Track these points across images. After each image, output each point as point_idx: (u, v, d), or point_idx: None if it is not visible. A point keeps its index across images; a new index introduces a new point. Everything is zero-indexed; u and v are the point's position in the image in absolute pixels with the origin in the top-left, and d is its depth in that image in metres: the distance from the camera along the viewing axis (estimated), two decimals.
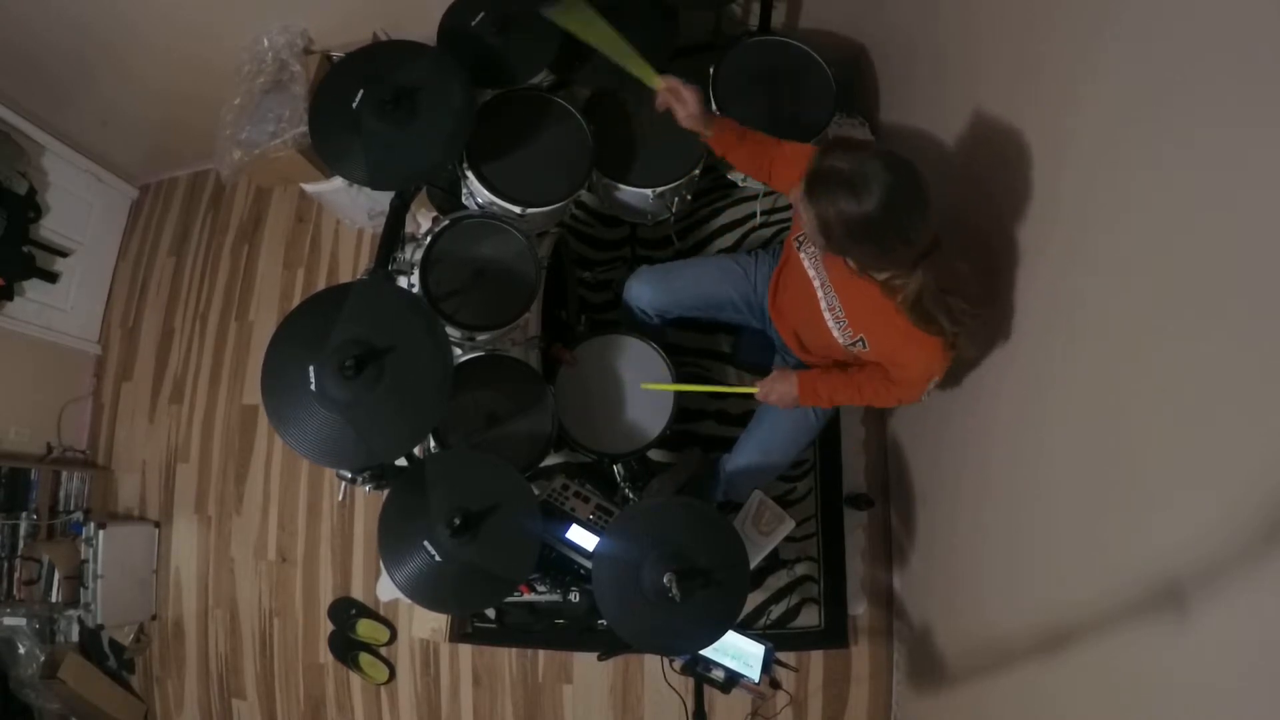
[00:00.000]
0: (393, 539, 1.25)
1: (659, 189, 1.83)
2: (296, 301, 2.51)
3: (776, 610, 2.04)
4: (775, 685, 1.50)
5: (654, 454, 1.95)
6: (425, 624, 2.19)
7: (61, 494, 2.42)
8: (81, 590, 2.31)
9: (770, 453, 1.72)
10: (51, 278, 2.47)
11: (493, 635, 2.17)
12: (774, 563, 2.03)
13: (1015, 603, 1.38)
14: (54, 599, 2.26)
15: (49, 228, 2.44)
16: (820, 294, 1.44)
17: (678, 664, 1.48)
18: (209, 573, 2.46)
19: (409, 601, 1.82)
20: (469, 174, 1.67)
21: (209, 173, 2.79)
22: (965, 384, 1.57)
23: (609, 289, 2.25)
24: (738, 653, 1.41)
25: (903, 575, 2.05)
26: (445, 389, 1.18)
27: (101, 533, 2.32)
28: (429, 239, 1.53)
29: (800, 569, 2.05)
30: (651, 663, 2.09)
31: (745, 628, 1.61)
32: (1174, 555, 0.91)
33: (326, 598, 2.34)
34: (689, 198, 2.03)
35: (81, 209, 2.59)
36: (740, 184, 2.15)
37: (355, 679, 2.28)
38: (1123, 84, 1.01)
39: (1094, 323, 1.09)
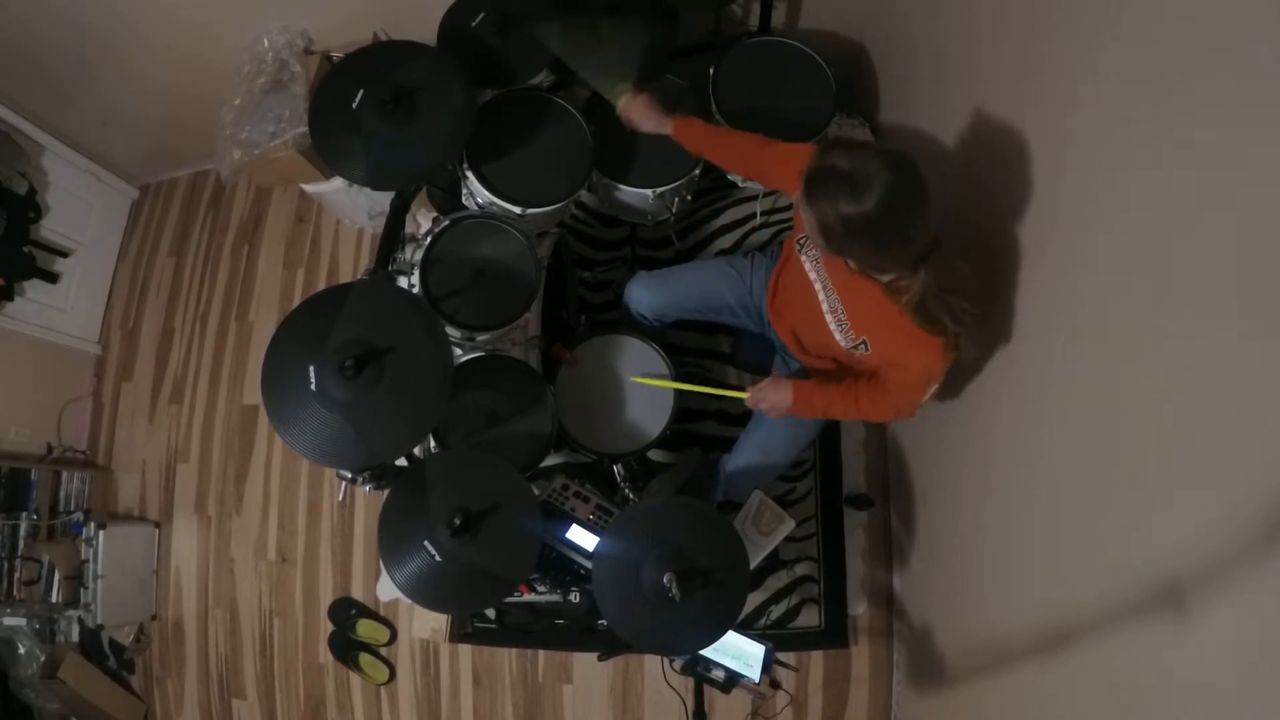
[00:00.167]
0: (393, 539, 1.25)
1: (659, 189, 1.83)
2: (296, 301, 2.51)
3: (776, 610, 2.04)
4: (775, 685, 1.50)
5: (654, 454, 1.95)
6: (425, 624, 2.19)
7: (61, 494, 2.42)
8: (81, 590, 2.31)
9: (770, 453, 1.72)
10: (51, 278, 2.47)
11: (493, 635, 2.17)
12: (774, 563, 2.03)
13: (1015, 603, 1.37)
14: (54, 599, 2.26)
15: (49, 228, 2.44)
16: (822, 296, 1.44)
17: (678, 664, 1.48)
18: (209, 573, 2.46)
19: (409, 601, 1.82)
20: (469, 174, 1.67)
21: (209, 173, 2.79)
22: (965, 384, 1.57)
23: (609, 289, 2.25)
24: (738, 653, 1.41)
25: (903, 575, 2.05)
26: (445, 389, 1.18)
27: (101, 533, 2.33)
28: (429, 239, 1.53)
29: (800, 569, 2.05)
30: (651, 663, 2.09)
31: (745, 628, 1.60)
32: (1174, 555, 0.91)
33: (326, 598, 2.34)
34: (689, 198, 2.03)
35: (81, 209, 2.59)
36: (740, 184, 2.15)
37: (355, 679, 2.28)
38: (1123, 84, 1.00)
39: (1094, 323, 1.09)
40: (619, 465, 1.78)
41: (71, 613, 2.32)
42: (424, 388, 1.18)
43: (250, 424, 2.53)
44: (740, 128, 1.70)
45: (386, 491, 1.32)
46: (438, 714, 2.23)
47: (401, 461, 1.43)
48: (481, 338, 1.54)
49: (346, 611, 2.29)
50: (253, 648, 2.39)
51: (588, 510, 1.54)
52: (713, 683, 1.44)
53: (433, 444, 1.53)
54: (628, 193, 1.87)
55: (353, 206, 2.40)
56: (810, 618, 2.04)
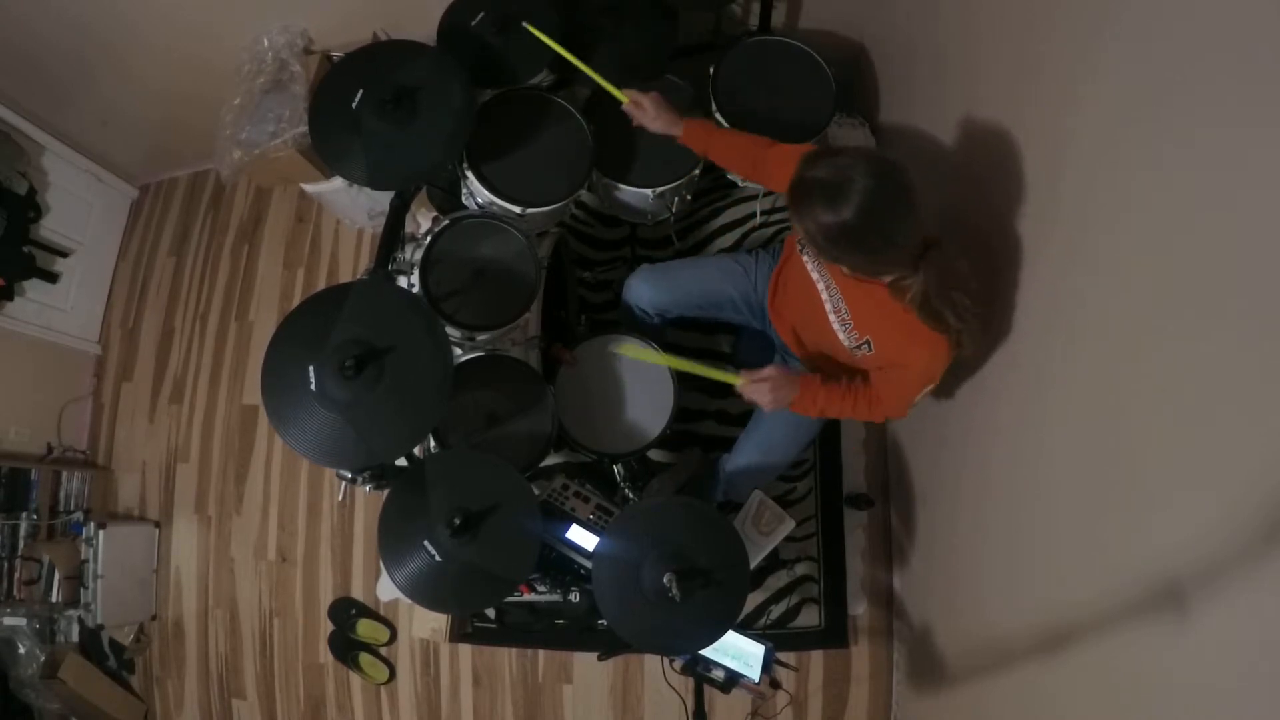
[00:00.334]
0: (393, 539, 1.25)
1: (659, 189, 1.83)
2: (296, 301, 2.52)
3: (776, 610, 2.04)
4: (775, 685, 1.50)
5: (654, 454, 1.95)
6: (425, 624, 2.19)
7: (61, 494, 2.42)
8: (81, 590, 2.31)
9: (770, 453, 1.72)
10: (51, 278, 2.47)
11: (493, 635, 2.17)
12: (774, 563, 2.03)
13: (1015, 603, 1.37)
14: (54, 599, 2.26)
15: (49, 228, 2.44)
16: (825, 296, 1.43)
17: (678, 664, 1.48)
18: (209, 573, 2.46)
19: (409, 601, 1.82)
20: (469, 174, 1.67)
21: (209, 173, 2.79)
22: (965, 384, 1.57)
23: (609, 289, 2.25)
24: (738, 653, 1.41)
25: (903, 575, 2.05)
26: (445, 389, 1.18)
27: (101, 533, 2.33)
28: (429, 239, 1.53)
29: (800, 569, 2.05)
30: (651, 663, 2.09)
31: (745, 628, 1.60)
32: (1174, 555, 0.91)
33: (326, 598, 2.34)
34: (689, 198, 2.02)
35: (81, 209, 2.60)
36: (740, 184, 2.15)
37: (355, 679, 2.28)
38: (1123, 84, 1.00)
39: (1094, 322, 1.09)
40: (619, 465, 1.78)
41: (71, 613, 2.32)
42: (424, 388, 1.18)
43: (250, 424, 2.53)
44: (740, 128, 1.70)
45: (386, 491, 1.32)
46: (438, 714, 2.23)
47: (401, 461, 1.43)
48: (481, 338, 1.54)
49: (346, 611, 2.29)
50: (253, 648, 2.39)
51: (588, 510, 1.54)
52: (713, 683, 1.44)
53: (433, 444, 1.53)
54: (628, 192, 1.87)
55: (353, 206, 2.40)
56: (810, 617, 2.04)
